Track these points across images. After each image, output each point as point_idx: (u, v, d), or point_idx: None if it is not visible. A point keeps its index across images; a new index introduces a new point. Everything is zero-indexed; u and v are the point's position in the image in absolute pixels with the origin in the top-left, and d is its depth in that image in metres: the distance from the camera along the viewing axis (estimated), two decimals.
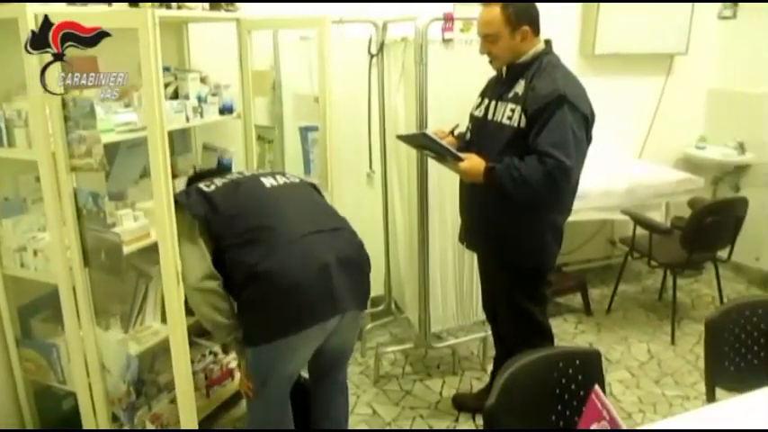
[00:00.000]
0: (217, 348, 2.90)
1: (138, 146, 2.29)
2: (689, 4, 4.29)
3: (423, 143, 2.50)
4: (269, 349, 1.96)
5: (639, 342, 3.59)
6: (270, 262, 1.90)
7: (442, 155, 2.40)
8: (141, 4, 2.23)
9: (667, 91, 4.53)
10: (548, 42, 2.37)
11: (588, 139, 2.28)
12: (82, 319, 2.16)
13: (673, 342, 3.56)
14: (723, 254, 3.74)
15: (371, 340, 3.50)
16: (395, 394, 3.09)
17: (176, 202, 1.98)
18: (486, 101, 2.42)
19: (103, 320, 2.30)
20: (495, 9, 2.27)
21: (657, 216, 3.95)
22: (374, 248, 3.45)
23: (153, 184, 1.88)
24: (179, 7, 2.44)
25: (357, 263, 2.11)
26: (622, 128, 4.43)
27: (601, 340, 3.59)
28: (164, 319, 2.37)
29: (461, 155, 2.31)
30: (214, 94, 2.69)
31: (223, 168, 2.57)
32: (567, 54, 4.07)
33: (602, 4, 4.00)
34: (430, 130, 2.58)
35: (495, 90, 2.41)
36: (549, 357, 1.74)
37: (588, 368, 1.74)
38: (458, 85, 2.83)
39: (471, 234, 2.61)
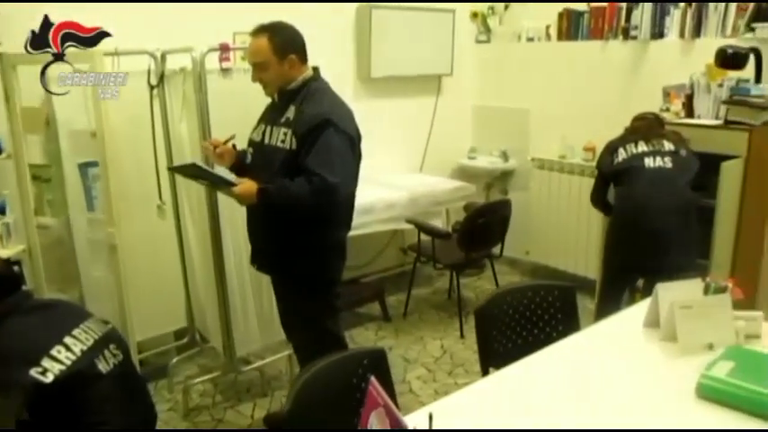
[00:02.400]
0: None
1: None
2: (450, 31, 4.77)
3: (195, 173, 2.56)
4: None
5: (434, 339, 3.91)
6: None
7: (216, 182, 2.48)
8: None
9: (439, 109, 4.99)
10: (315, 69, 2.55)
11: (357, 158, 2.49)
12: None
13: (462, 336, 3.91)
14: (497, 251, 4.20)
15: (179, 374, 3.44)
16: (206, 425, 3.07)
17: None
18: (263, 125, 2.56)
19: None
20: (263, 39, 2.42)
21: (439, 222, 4.34)
22: (172, 280, 3.45)
23: None
24: None
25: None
26: (403, 144, 4.81)
27: (400, 343, 3.85)
28: None
29: (234, 179, 2.41)
30: None
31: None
32: (346, 78, 4.36)
33: (374, 33, 4.30)
34: (203, 155, 2.64)
35: (271, 116, 2.55)
36: (340, 361, 1.88)
37: (375, 366, 1.89)
38: (240, 111, 2.91)
39: (259, 256, 2.70)
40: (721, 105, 3.49)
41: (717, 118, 3.54)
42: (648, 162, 3.15)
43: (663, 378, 1.84)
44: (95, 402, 1.90)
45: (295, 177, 2.33)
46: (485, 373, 2.23)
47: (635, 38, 4.14)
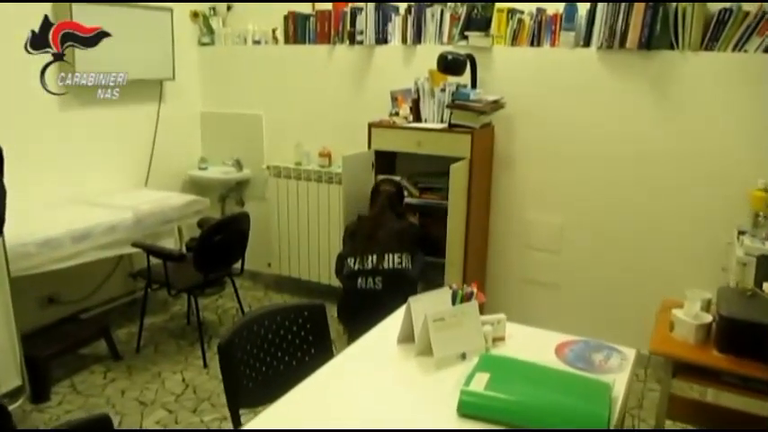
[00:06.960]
0: None
1: None
2: (169, 32, 4.36)
3: None
4: None
5: (173, 374, 3.49)
6: None
7: None
8: None
9: (163, 117, 4.53)
10: None
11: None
12: None
13: (205, 365, 3.56)
14: (239, 267, 3.91)
15: None
16: None
17: None
18: None
19: None
20: None
21: (171, 242, 3.92)
22: None
23: None
24: None
25: None
26: (123, 158, 4.27)
27: (134, 384, 3.37)
28: None
29: None
30: None
31: None
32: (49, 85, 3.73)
33: None
34: None
35: None
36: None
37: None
38: None
39: None
40: (446, 109, 3.62)
41: (442, 121, 3.68)
42: (360, 282, 3.36)
43: (424, 397, 1.75)
44: None
45: None
46: (235, 416, 1.97)
47: (361, 43, 4.16)
